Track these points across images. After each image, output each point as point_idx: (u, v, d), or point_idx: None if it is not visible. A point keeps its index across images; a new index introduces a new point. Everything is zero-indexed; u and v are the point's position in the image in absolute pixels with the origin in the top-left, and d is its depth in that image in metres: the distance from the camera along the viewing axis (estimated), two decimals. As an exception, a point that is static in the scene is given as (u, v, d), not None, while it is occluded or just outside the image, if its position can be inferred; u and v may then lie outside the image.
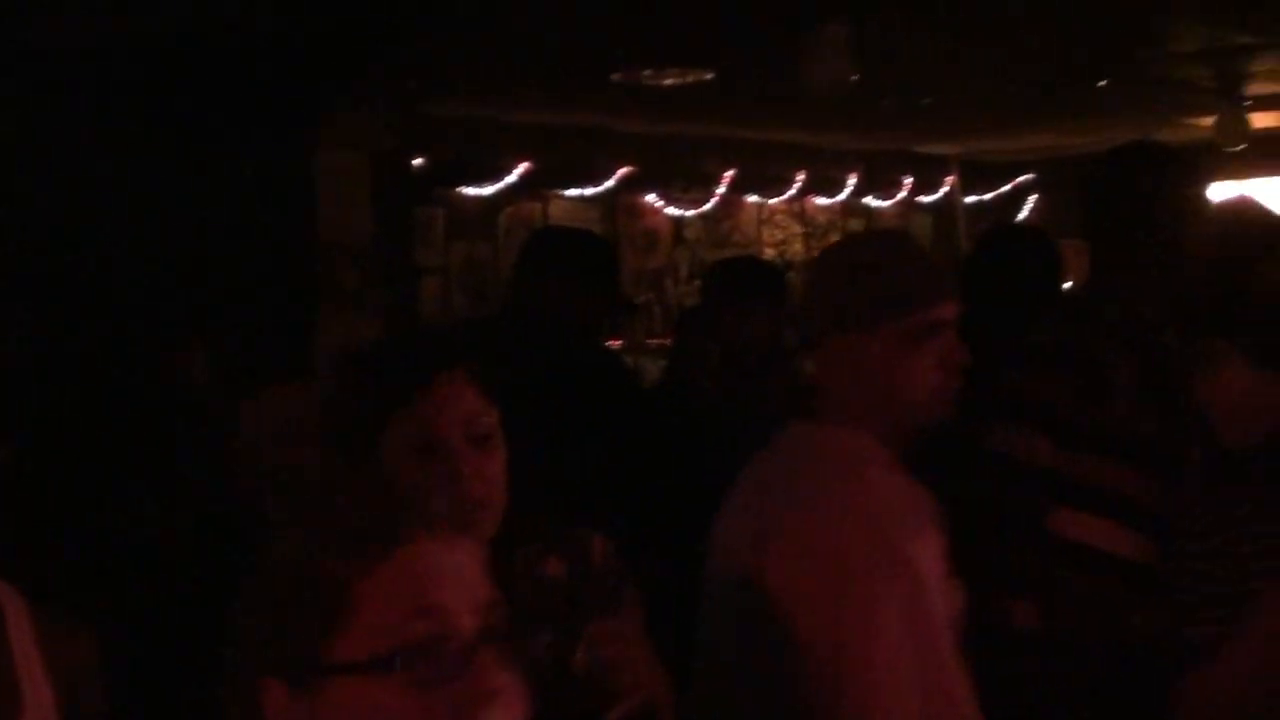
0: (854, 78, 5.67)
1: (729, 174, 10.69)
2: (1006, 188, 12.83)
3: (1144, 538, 3.13)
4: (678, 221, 10.81)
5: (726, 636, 2.57)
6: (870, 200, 11.93)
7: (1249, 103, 8.48)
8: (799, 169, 11.18)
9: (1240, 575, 2.59)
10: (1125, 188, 3.43)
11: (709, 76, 7.08)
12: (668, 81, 7.41)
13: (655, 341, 9.12)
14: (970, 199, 12.64)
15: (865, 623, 2.45)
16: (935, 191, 12.35)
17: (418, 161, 8.75)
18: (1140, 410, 3.24)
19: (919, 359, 2.63)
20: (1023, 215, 12.79)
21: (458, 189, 9.21)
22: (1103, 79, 7.46)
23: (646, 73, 7.23)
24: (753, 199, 11.24)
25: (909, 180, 12.03)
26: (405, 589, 1.50)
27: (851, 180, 11.59)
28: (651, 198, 10.50)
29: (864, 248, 2.96)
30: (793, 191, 11.31)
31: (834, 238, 11.56)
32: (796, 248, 11.62)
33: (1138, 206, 3.37)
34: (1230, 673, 2.56)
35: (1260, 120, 9.04)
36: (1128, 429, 3.23)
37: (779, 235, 11.53)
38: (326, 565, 1.50)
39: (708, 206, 10.85)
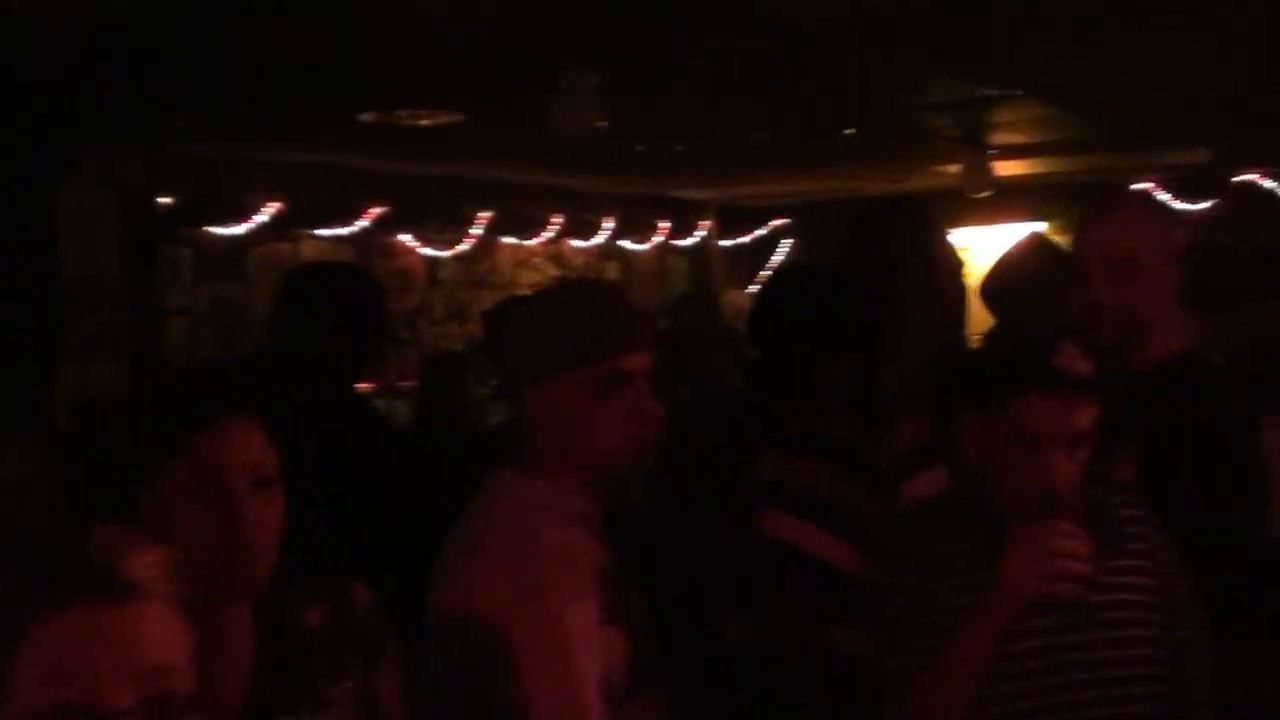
0: (602, 124, 5.63)
1: (485, 215, 10.59)
2: (762, 231, 12.98)
3: (853, 550, 3.30)
4: (433, 262, 10.67)
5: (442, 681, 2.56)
6: (626, 244, 11.94)
7: (994, 151, 8.68)
8: (556, 212, 11.14)
9: (937, 611, 2.66)
10: (873, 240, 3.75)
11: (460, 118, 6.99)
12: (422, 122, 7.31)
13: (407, 383, 8.97)
14: (726, 242, 12.75)
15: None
16: (691, 235, 12.43)
17: (165, 200, 8.49)
18: (868, 437, 3.46)
19: (608, 409, 2.63)
20: (776, 258, 12.95)
21: (206, 228, 8.95)
22: (850, 128, 7.57)
23: (399, 113, 7.11)
24: (509, 241, 11.16)
25: (665, 224, 12.08)
26: (48, 655, 1.46)
27: (608, 224, 11.59)
28: (406, 238, 10.35)
29: (556, 297, 2.96)
30: (549, 234, 11.26)
31: (591, 280, 11.57)
32: (554, 290, 11.53)
33: (884, 257, 3.67)
34: (918, 710, 2.66)
35: (1005, 168, 9.27)
36: (847, 446, 3.44)
37: (536, 277, 11.46)
38: None
39: (463, 248, 10.74)
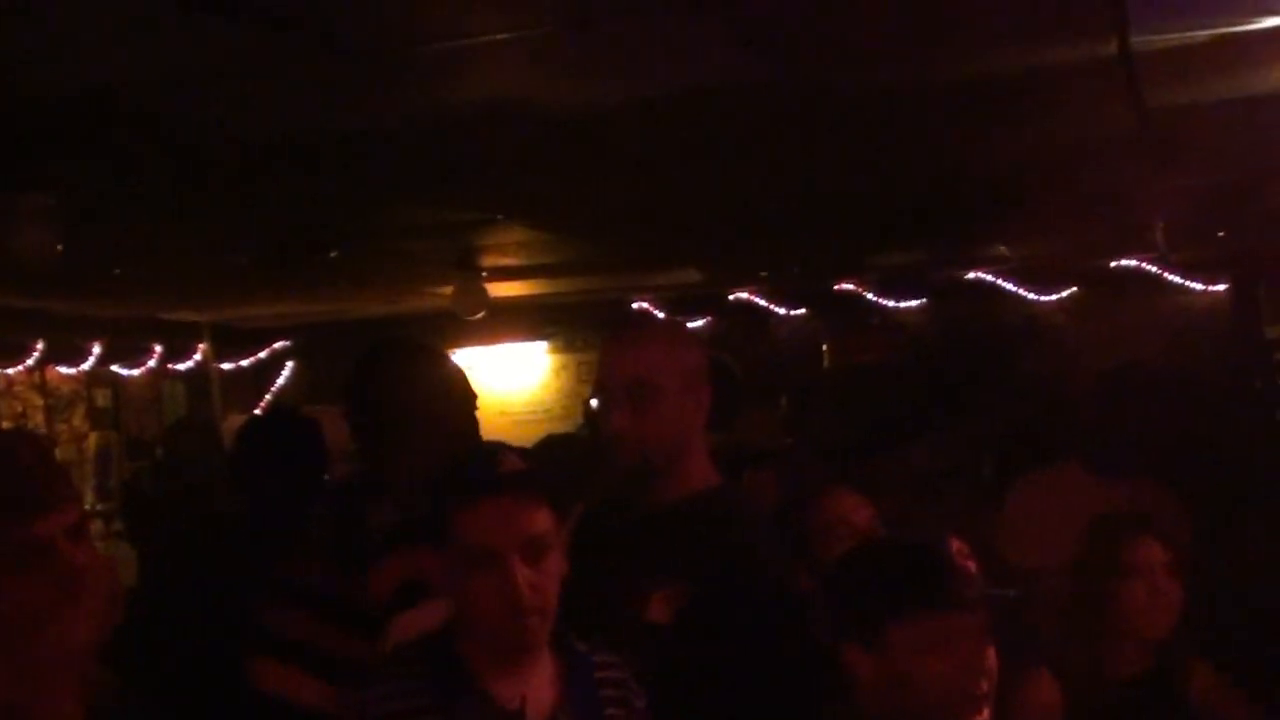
0: (59, 248, 5.30)
1: (-44, 343, 9.94)
2: (263, 354, 12.65)
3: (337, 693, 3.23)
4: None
5: None
6: (118, 368, 11.40)
7: (485, 273, 8.67)
8: (37, 337, 10.53)
9: None
10: (359, 381, 3.70)
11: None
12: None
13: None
14: (226, 365, 12.36)
15: None
16: (187, 359, 11.98)
17: None
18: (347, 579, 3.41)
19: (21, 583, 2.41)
20: (280, 381, 12.65)
21: None
22: (334, 251, 7.42)
23: None
24: (-14, 370, 10.50)
25: (159, 348, 11.61)
26: None
27: (96, 348, 11.04)
28: None
29: None
30: (31, 360, 10.63)
31: (80, 409, 10.99)
32: (38, 420, 10.93)
33: (372, 397, 3.64)
34: None
35: (500, 289, 9.28)
36: (323, 590, 3.42)
37: (19, 407, 10.81)
38: None
39: (-67, 378, 10.04)
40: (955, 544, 2.78)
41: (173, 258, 7.68)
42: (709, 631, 2.98)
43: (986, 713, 2.70)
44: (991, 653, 2.71)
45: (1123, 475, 5.00)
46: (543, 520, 2.62)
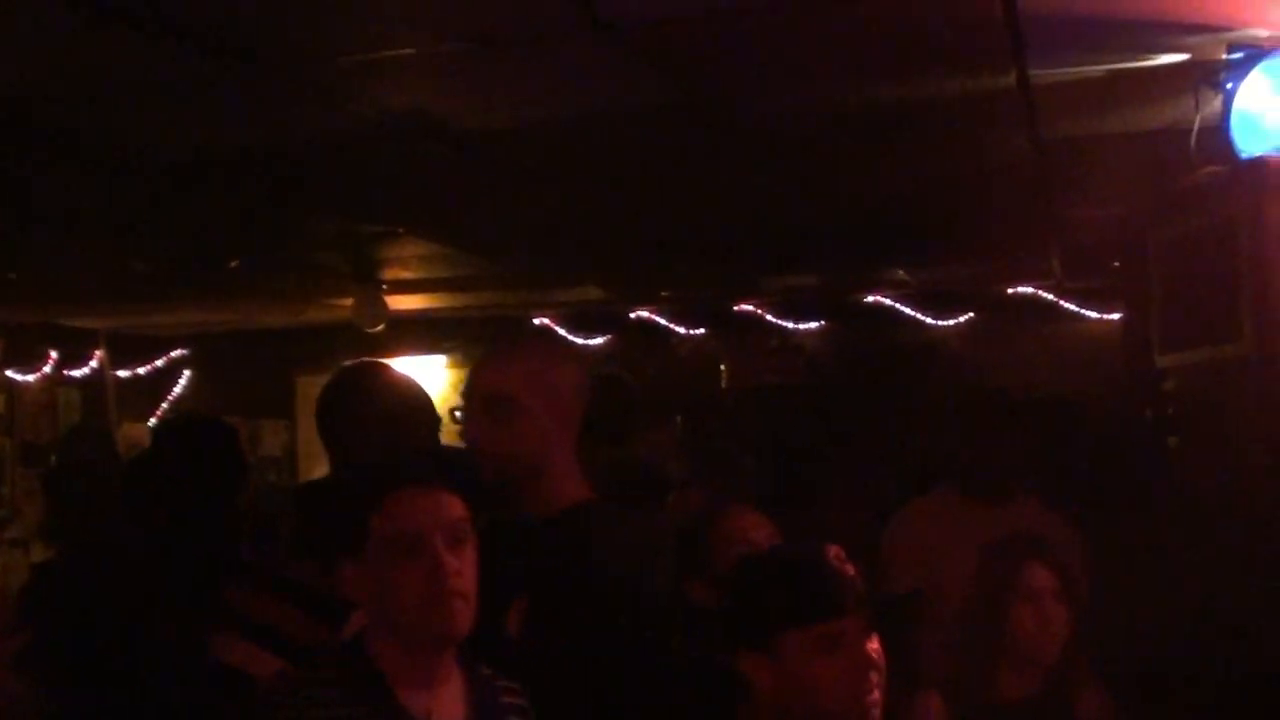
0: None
1: None
2: (160, 362, 12.51)
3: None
4: None
5: None
6: (12, 374, 11.23)
7: (385, 286, 8.64)
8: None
9: None
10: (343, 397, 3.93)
11: None
12: None
13: None
14: (123, 372, 12.20)
15: None
16: (83, 365, 11.82)
17: None
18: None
19: None
20: (178, 390, 12.51)
21: None
22: (234, 260, 7.37)
23: None
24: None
25: (54, 353, 11.45)
26: None
27: (-8, 353, 10.88)
28: None
29: None
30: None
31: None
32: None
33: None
34: None
35: (399, 303, 9.25)
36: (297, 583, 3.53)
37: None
38: None
39: None
40: (833, 550, 2.88)
41: (71, 263, 7.59)
42: (547, 645, 3.06)
43: (879, 703, 2.85)
44: (877, 647, 2.87)
45: (998, 499, 5.09)
46: (460, 507, 2.71)
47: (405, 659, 2.67)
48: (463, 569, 2.65)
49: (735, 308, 11.08)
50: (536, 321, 11.42)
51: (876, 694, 2.85)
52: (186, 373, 12.64)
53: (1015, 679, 4.05)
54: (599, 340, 11.58)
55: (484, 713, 2.75)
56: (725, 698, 3.16)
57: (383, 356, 11.11)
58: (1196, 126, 4.50)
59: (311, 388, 11.90)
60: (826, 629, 2.82)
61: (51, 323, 11.17)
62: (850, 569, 2.89)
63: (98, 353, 11.91)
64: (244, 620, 3.49)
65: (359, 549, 2.68)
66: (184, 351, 12.54)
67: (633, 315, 11.36)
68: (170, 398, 12.58)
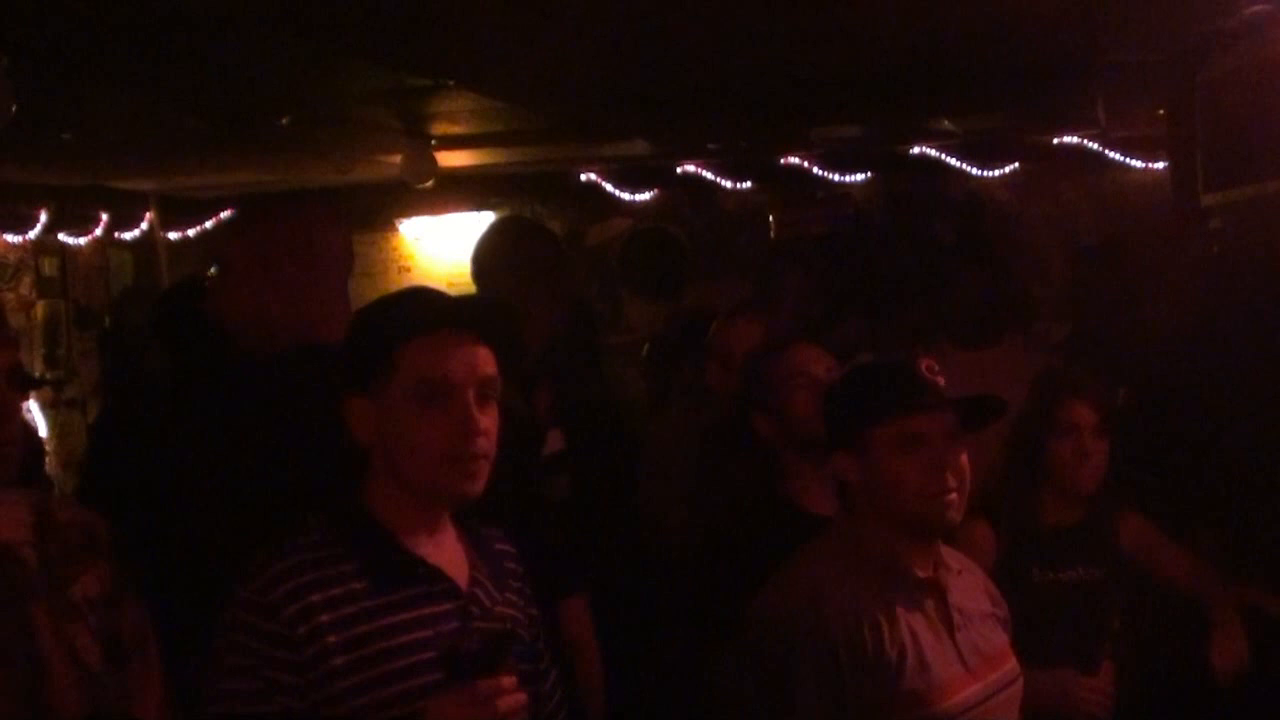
0: (9, 110, 5.31)
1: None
2: (210, 223, 12.60)
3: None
4: None
5: None
6: (64, 237, 11.37)
7: (434, 141, 8.68)
8: (-13, 206, 10.50)
9: None
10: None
11: None
12: None
13: None
14: (174, 235, 12.32)
15: None
16: (134, 227, 11.95)
17: None
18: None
19: None
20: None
21: None
22: (284, 117, 7.42)
23: None
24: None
25: (105, 216, 11.57)
26: None
27: (43, 216, 10.99)
28: None
29: None
30: (-18, 229, 10.61)
31: (27, 278, 10.97)
32: (-16, 288, 10.94)
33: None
34: None
35: (448, 159, 9.30)
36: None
37: (-36, 274, 10.81)
38: None
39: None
40: (925, 362, 3.04)
41: (122, 123, 7.65)
42: None
43: (956, 504, 3.03)
44: (962, 454, 3.05)
45: (981, 344, 5.27)
46: (494, 363, 2.58)
47: (408, 509, 2.57)
48: (490, 429, 2.54)
49: (782, 161, 11.08)
50: (584, 177, 11.45)
51: (954, 496, 3.00)
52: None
53: (1057, 506, 4.17)
54: (646, 195, 11.62)
55: (487, 562, 2.72)
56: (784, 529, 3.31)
57: (432, 214, 11.35)
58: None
59: (361, 246, 12.08)
60: (906, 425, 3.00)
61: (102, 185, 11.27)
62: (940, 379, 3.03)
63: (148, 214, 12.03)
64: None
65: (379, 385, 2.54)
66: (232, 212, 12.62)
67: (680, 169, 11.37)
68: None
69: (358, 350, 2.61)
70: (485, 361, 2.57)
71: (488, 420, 2.54)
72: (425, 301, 2.64)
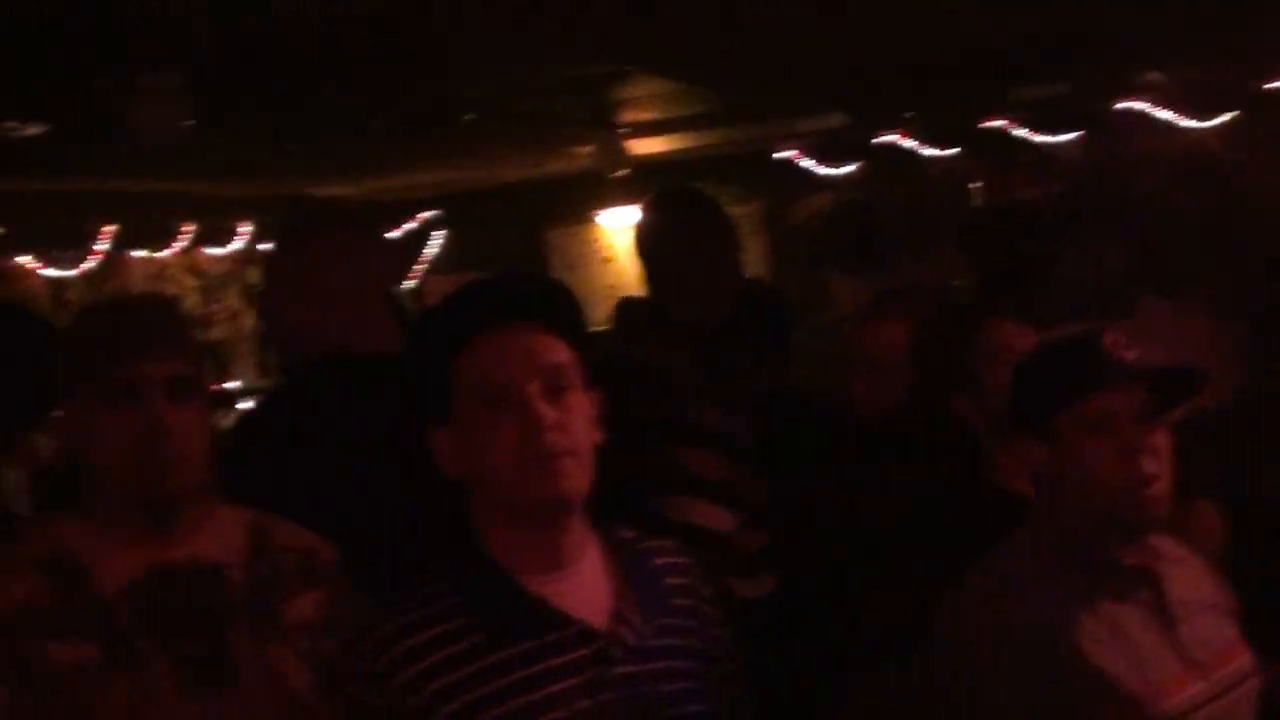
0: (188, 124, 5.30)
1: (109, 229, 10.03)
2: (412, 225, 12.67)
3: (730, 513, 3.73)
4: (56, 284, 10.08)
5: None
6: (269, 246, 11.47)
7: (624, 130, 8.57)
8: (188, 220, 10.63)
9: None
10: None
11: (44, 129, 6.52)
12: (13, 135, 6.80)
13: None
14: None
15: None
16: (338, 233, 12.00)
17: None
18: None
19: (111, 423, 2.61)
20: (429, 250, 12.67)
21: None
22: (468, 115, 7.34)
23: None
24: (140, 254, 10.62)
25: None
26: None
27: (246, 228, 11.12)
28: (24, 260, 9.74)
29: (77, 316, 2.93)
30: (184, 243, 10.76)
31: (233, 289, 11.12)
32: (194, 301, 11.11)
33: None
34: None
35: (641, 146, 9.18)
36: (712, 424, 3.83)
37: (173, 290, 10.98)
38: None
39: (89, 265, 10.16)
40: (1109, 336, 2.75)
41: (310, 131, 7.67)
42: None
43: (1159, 495, 2.71)
44: (1161, 434, 2.74)
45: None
46: (562, 351, 2.32)
47: (521, 539, 2.31)
48: (567, 421, 2.27)
49: (984, 124, 10.74)
50: (780, 154, 11.22)
51: (1157, 487, 2.71)
52: (436, 234, 12.79)
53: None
54: (846, 169, 11.35)
55: (633, 584, 2.39)
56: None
57: (628, 203, 11.25)
58: None
59: (561, 239, 12.06)
60: (1092, 405, 2.72)
61: (303, 193, 11.36)
62: (1129, 352, 2.74)
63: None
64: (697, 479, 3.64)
65: (444, 407, 2.32)
66: (434, 213, 12.66)
67: (879, 140, 11.09)
68: (421, 260, 12.76)
69: (419, 380, 2.40)
70: (547, 349, 2.31)
71: (560, 413, 2.27)
72: (460, 308, 2.39)
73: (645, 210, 4.46)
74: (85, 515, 2.71)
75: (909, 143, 11.11)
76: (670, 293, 4.11)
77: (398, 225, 12.52)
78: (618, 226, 11.85)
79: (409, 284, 12.26)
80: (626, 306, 4.38)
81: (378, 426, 3.07)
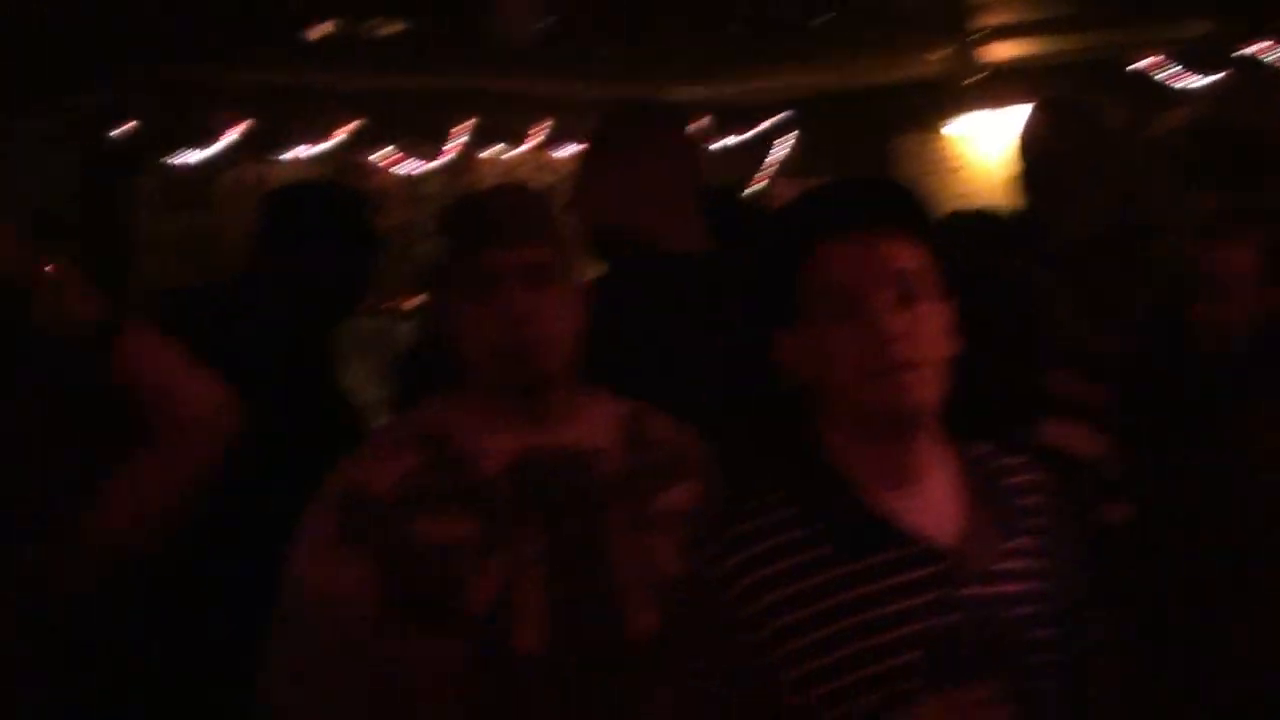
0: (544, 21, 5.37)
1: (465, 126, 10.28)
2: (762, 127, 12.64)
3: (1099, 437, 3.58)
4: (412, 178, 10.39)
5: None
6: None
7: (981, 34, 8.37)
8: (541, 119, 10.82)
9: None
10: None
11: (403, 27, 6.70)
12: (380, 32, 7.02)
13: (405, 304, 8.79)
14: (723, 142, 12.40)
15: None
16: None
17: (124, 128, 8.24)
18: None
19: (474, 312, 2.68)
20: (774, 154, 12.61)
21: (168, 157, 8.68)
22: (817, 17, 7.25)
23: (353, 25, 6.84)
24: (492, 151, 10.86)
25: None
26: None
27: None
28: (381, 154, 10.06)
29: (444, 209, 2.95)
30: (536, 142, 10.96)
31: (581, 188, 11.27)
32: (543, 200, 11.32)
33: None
34: None
35: (997, 51, 8.96)
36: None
37: (524, 187, 11.20)
38: None
39: (443, 161, 10.44)
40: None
41: (664, 34, 7.70)
42: None
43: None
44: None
45: None
46: (915, 257, 2.22)
47: (867, 452, 2.24)
48: (916, 331, 2.18)
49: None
50: (1137, 65, 10.78)
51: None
52: (785, 136, 12.73)
53: None
54: (1208, 80, 10.81)
55: (986, 503, 2.30)
56: None
57: (979, 109, 10.99)
58: None
59: (909, 144, 11.88)
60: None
61: (653, 96, 11.42)
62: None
63: (698, 123, 12.12)
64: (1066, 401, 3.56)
65: (791, 312, 2.26)
66: (785, 115, 12.59)
67: (1246, 51, 10.56)
68: (768, 164, 12.72)
69: (766, 283, 2.31)
70: (899, 255, 2.20)
71: (908, 322, 2.17)
72: (810, 213, 2.29)
73: (1038, 114, 4.38)
74: (463, 399, 2.78)
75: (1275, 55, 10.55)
76: (1054, 201, 4.05)
77: (749, 128, 12.52)
78: (967, 135, 11.60)
79: (757, 186, 12.26)
80: (959, 219, 4.29)
81: (695, 326, 3.08)
